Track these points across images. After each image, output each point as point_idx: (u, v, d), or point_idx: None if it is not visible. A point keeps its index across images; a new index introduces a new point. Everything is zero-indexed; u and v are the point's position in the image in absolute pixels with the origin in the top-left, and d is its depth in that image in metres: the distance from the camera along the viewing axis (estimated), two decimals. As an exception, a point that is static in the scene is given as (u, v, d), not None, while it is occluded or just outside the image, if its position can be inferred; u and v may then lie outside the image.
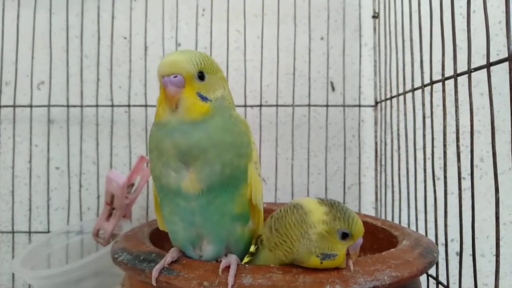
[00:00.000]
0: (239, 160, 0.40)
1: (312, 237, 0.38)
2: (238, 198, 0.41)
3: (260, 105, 0.84)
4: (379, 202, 0.83)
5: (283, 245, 0.39)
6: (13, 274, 0.85)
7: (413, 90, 0.62)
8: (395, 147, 0.73)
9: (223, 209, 0.40)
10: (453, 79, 0.49)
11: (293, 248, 0.39)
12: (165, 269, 0.39)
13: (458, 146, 0.48)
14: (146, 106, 0.84)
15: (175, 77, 0.37)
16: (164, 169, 0.39)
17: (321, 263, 0.37)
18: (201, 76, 0.39)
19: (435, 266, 0.52)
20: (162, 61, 0.38)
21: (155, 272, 0.38)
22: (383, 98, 0.81)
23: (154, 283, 0.38)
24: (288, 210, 0.41)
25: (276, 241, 0.40)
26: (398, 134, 0.71)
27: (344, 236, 0.38)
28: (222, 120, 0.39)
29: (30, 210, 0.84)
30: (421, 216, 0.60)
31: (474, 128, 0.45)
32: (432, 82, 0.55)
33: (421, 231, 0.58)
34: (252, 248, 0.48)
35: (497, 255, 0.40)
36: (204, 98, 0.38)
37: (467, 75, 0.46)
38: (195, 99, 0.38)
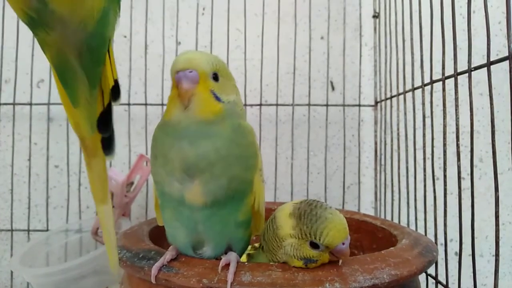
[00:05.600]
0: (246, 173, 0.40)
1: (286, 248, 0.39)
2: (243, 207, 0.41)
3: (260, 104, 0.84)
4: (378, 202, 0.83)
5: (270, 252, 0.41)
6: (11, 272, 0.85)
7: (413, 89, 0.62)
8: (395, 146, 0.73)
9: (227, 218, 0.40)
10: (453, 79, 0.49)
11: (276, 255, 0.40)
12: (165, 266, 0.39)
13: (458, 146, 0.48)
14: (146, 104, 0.84)
15: (190, 72, 0.36)
16: (167, 178, 0.38)
17: (306, 265, 0.38)
18: (215, 77, 0.38)
19: (434, 265, 0.52)
20: (178, 57, 0.37)
21: (154, 270, 0.38)
22: (383, 97, 0.81)
23: (153, 281, 0.38)
24: (269, 223, 0.42)
25: (266, 249, 0.42)
26: (398, 134, 0.71)
27: (315, 246, 0.37)
28: (231, 130, 0.38)
29: (29, 208, 0.84)
30: (420, 216, 0.60)
31: (473, 128, 0.45)
32: (432, 82, 0.55)
33: (421, 231, 0.58)
34: (249, 249, 0.48)
35: (497, 255, 0.40)
36: (217, 98, 0.38)
37: (467, 74, 0.46)
38: (209, 97, 0.37)
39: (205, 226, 0.40)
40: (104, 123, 0.38)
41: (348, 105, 0.86)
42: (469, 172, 0.46)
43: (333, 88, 0.88)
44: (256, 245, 0.48)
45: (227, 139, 0.38)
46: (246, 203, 0.41)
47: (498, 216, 0.40)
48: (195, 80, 0.36)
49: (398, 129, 0.71)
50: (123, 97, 0.86)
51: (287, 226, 0.39)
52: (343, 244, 0.37)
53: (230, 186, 0.38)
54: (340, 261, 0.38)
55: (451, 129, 0.59)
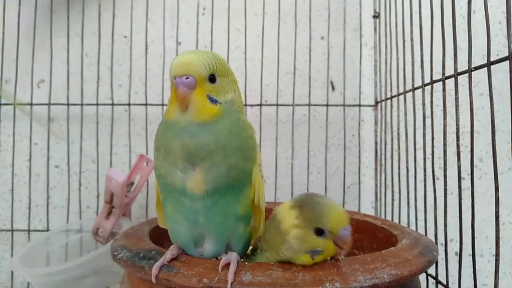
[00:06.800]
0: (245, 163, 0.40)
1: (291, 242, 0.39)
2: (242, 199, 0.41)
3: (260, 104, 0.84)
4: (378, 202, 0.83)
5: (273, 251, 0.41)
6: (12, 272, 0.85)
7: (413, 89, 0.62)
8: (395, 146, 0.73)
9: (227, 210, 0.41)
10: (453, 79, 0.49)
11: (280, 252, 0.40)
12: (165, 266, 0.39)
13: (458, 146, 0.48)
14: (146, 105, 0.84)
15: (187, 78, 0.37)
16: (170, 168, 0.39)
17: (313, 259, 0.38)
18: (212, 79, 0.39)
19: (434, 265, 0.52)
20: (175, 61, 0.38)
21: (155, 269, 0.38)
22: (383, 97, 0.82)
23: (154, 280, 0.38)
24: (270, 221, 0.43)
25: (267, 248, 0.42)
26: (398, 134, 0.71)
27: (320, 232, 0.38)
28: (230, 124, 0.39)
29: (29, 208, 0.84)
30: (420, 216, 0.60)
31: (474, 128, 0.45)
32: (432, 82, 0.55)
33: (421, 231, 0.58)
34: (248, 250, 0.48)
35: (497, 255, 0.40)
36: (214, 101, 0.39)
37: (467, 74, 0.46)
38: (205, 101, 0.38)
39: (206, 217, 0.40)
40: None
41: (348, 105, 0.86)
42: (469, 172, 0.46)
43: (333, 88, 0.88)
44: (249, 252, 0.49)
45: (226, 131, 0.39)
46: (245, 195, 0.42)
47: (498, 216, 0.40)
48: (191, 86, 0.38)
49: (398, 129, 0.71)
50: (124, 97, 0.86)
51: (290, 217, 0.40)
52: (345, 229, 0.38)
53: (229, 175, 0.39)
54: (343, 254, 0.39)
55: (451, 129, 0.58)
